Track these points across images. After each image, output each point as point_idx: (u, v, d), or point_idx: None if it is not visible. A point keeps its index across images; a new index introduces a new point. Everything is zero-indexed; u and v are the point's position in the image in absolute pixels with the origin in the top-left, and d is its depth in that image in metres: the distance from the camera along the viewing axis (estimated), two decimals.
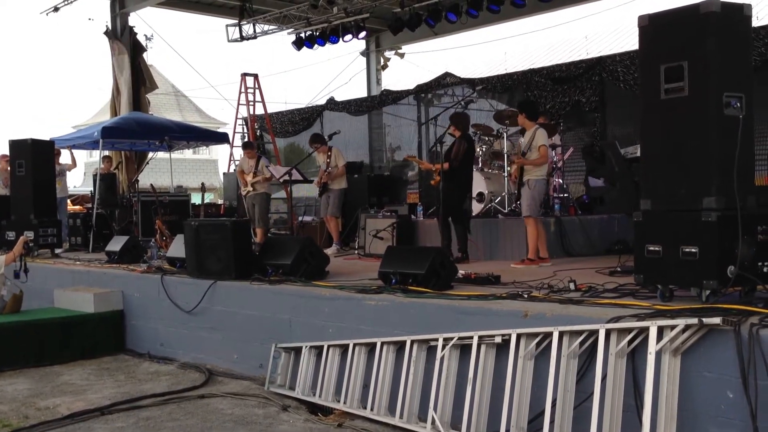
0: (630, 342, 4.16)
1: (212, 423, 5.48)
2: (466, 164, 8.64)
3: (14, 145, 11.27)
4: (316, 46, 16.38)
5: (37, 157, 11.10)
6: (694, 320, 3.92)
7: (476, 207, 9.52)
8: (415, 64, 21.55)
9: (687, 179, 4.56)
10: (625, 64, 11.84)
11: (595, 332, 4.29)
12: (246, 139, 16.39)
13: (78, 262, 10.11)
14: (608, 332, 4.23)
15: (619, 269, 6.62)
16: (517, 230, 8.64)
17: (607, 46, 19.27)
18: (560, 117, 12.19)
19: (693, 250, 4.45)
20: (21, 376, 7.26)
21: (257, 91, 17.63)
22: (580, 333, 4.38)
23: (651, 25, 4.76)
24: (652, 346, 3.99)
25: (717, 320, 3.87)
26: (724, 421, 3.88)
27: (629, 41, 17.89)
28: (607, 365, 4.17)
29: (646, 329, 4.08)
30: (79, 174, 35.33)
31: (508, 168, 9.48)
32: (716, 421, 3.92)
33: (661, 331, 4.02)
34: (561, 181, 10.20)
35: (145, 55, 17.26)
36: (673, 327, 3.97)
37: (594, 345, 4.30)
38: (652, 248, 4.67)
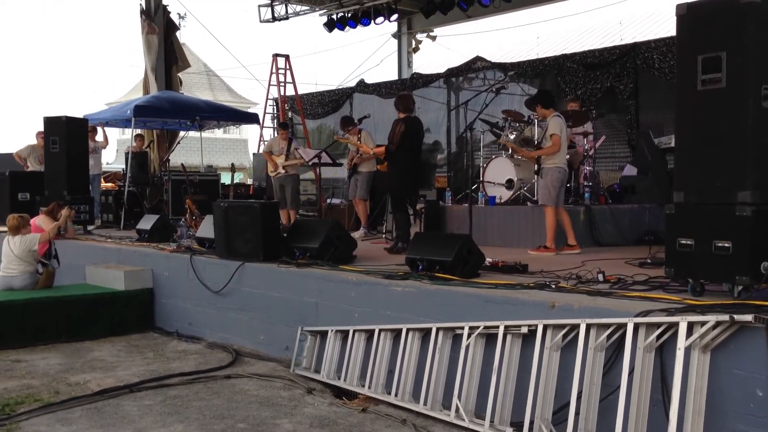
0: (659, 337, 4.10)
1: (238, 404, 5.54)
2: (406, 148, 8.21)
3: (49, 122, 11.39)
4: (347, 28, 16.32)
5: (70, 134, 11.20)
6: (725, 317, 3.85)
7: (505, 194, 9.44)
8: (446, 47, 21.48)
9: (722, 172, 4.46)
10: (661, 51, 11.65)
11: (623, 326, 4.24)
12: (278, 120, 16.43)
13: (109, 240, 10.24)
14: (636, 326, 4.17)
15: (649, 261, 6.53)
16: (544, 218, 8.54)
17: (642, 32, 18.98)
18: (592, 104, 12.04)
19: (726, 244, 4.36)
20: (53, 350, 7.40)
21: (288, 72, 17.67)
22: (607, 326, 4.33)
23: (689, 14, 4.64)
24: (682, 342, 3.93)
25: (749, 317, 3.80)
26: (753, 419, 3.82)
27: (665, 27, 17.60)
28: (635, 359, 4.12)
29: (676, 324, 4.02)
30: (111, 151, 35.71)
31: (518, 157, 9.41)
32: (745, 419, 3.86)
33: (691, 326, 3.96)
34: (592, 168, 10.07)
35: (178, 33, 17.36)
36: (703, 323, 3.90)
37: (622, 338, 4.25)
38: (683, 242, 4.60)
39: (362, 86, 17.24)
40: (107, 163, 25.11)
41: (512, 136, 9.54)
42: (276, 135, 13.00)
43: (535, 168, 8.13)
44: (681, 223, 4.65)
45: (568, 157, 8.49)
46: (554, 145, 7.80)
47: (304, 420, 5.16)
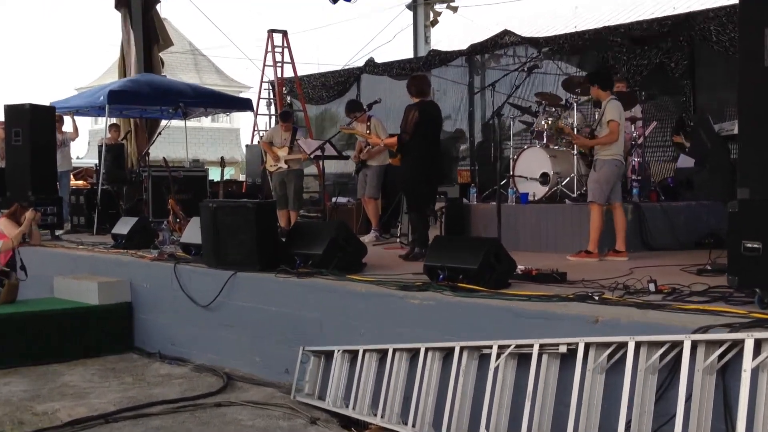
0: (721, 356, 4.08)
1: None
2: (421, 137, 8.17)
3: (10, 110, 11.46)
4: None
5: (35, 125, 11.26)
6: None
7: (540, 190, 9.42)
8: (469, 19, 21.36)
9: None
10: (720, 22, 11.57)
11: (679, 344, 4.21)
12: (275, 106, 16.50)
13: (81, 246, 10.30)
14: (695, 344, 4.15)
15: (709, 267, 6.50)
16: (585, 218, 8.52)
17: None
18: (637, 83, 11.99)
19: None
20: (17, 375, 7.43)
21: (286, 51, 17.67)
22: (660, 344, 4.31)
23: None
24: (748, 362, 3.91)
25: None
26: None
27: None
28: (693, 383, 4.09)
29: (741, 342, 3.99)
30: (82, 144, 36.00)
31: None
32: None
33: (758, 344, 3.93)
34: (641, 160, 10.03)
35: (158, 7, 17.43)
36: None
37: (677, 359, 4.23)
38: (749, 245, 4.58)
39: (371, 66, 17.25)
40: (78, 158, 25.30)
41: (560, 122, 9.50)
42: (276, 124, 13.03)
43: (589, 159, 8.08)
44: (746, 224, 4.64)
45: None
46: (612, 133, 7.73)
47: None
